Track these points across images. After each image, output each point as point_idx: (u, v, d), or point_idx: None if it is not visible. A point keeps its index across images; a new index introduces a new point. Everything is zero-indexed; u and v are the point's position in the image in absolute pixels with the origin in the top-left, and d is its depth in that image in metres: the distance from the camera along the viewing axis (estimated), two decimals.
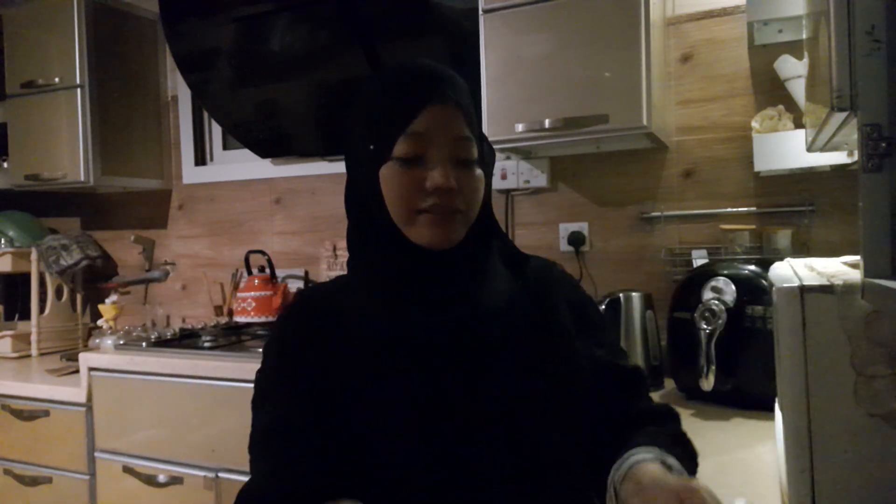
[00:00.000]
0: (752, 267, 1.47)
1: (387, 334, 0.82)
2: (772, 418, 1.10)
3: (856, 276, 0.75)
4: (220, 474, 1.77)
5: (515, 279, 0.90)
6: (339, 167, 2.38)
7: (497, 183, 2.03)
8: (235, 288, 2.47)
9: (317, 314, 0.86)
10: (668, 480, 0.69)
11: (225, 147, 2.71)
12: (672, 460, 0.75)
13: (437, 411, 0.78)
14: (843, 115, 0.70)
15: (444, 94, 0.80)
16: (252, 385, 0.92)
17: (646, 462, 0.73)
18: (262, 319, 2.22)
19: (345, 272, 0.92)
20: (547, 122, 1.60)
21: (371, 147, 0.81)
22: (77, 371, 2.01)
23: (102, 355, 1.96)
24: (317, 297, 0.92)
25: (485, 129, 1.51)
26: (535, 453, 0.81)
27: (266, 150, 2.43)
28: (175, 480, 1.83)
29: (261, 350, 0.90)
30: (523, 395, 0.81)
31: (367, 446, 0.78)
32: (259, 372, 0.92)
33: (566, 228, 1.99)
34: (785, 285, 0.79)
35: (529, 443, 0.80)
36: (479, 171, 0.83)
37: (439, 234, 0.80)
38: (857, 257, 0.68)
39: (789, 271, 0.88)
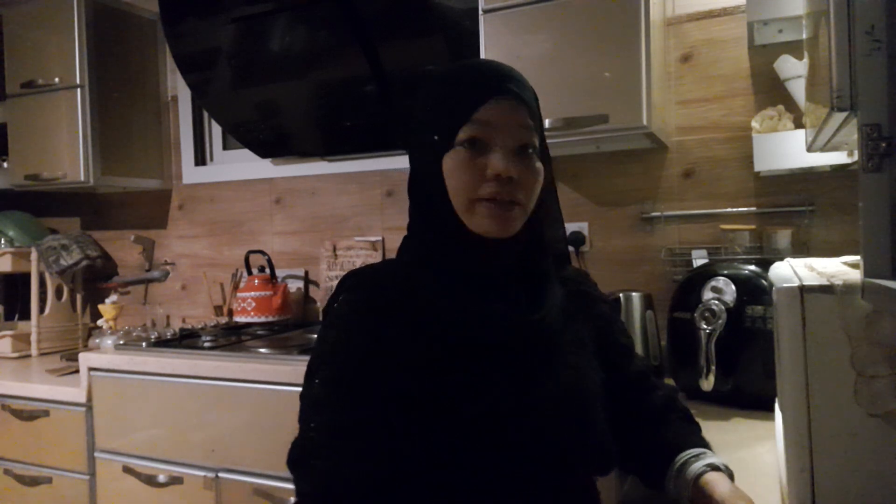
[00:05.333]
0: (752, 267, 1.47)
1: (452, 324, 0.82)
2: (772, 418, 1.10)
3: (856, 276, 0.75)
4: (220, 474, 1.77)
5: (562, 283, 0.94)
6: (340, 167, 2.38)
7: None
8: (235, 288, 2.47)
9: (384, 299, 0.84)
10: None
11: (225, 147, 2.71)
12: (718, 460, 0.89)
13: (504, 407, 0.81)
14: (843, 115, 0.70)
15: (507, 88, 0.83)
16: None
17: (707, 473, 0.87)
18: (262, 319, 2.22)
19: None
20: (547, 122, 1.60)
21: (435, 137, 0.83)
22: (77, 371, 2.01)
23: (102, 355, 1.96)
24: (378, 281, 0.87)
25: None
26: (583, 443, 0.86)
27: (266, 150, 2.43)
28: (175, 480, 1.83)
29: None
30: (566, 395, 0.86)
31: (448, 433, 0.78)
32: (325, 360, 0.84)
33: (566, 228, 1.99)
34: (785, 285, 0.79)
35: (571, 434, 0.86)
36: (538, 164, 0.86)
37: (498, 224, 0.83)
38: (857, 257, 0.68)
39: (789, 271, 0.88)
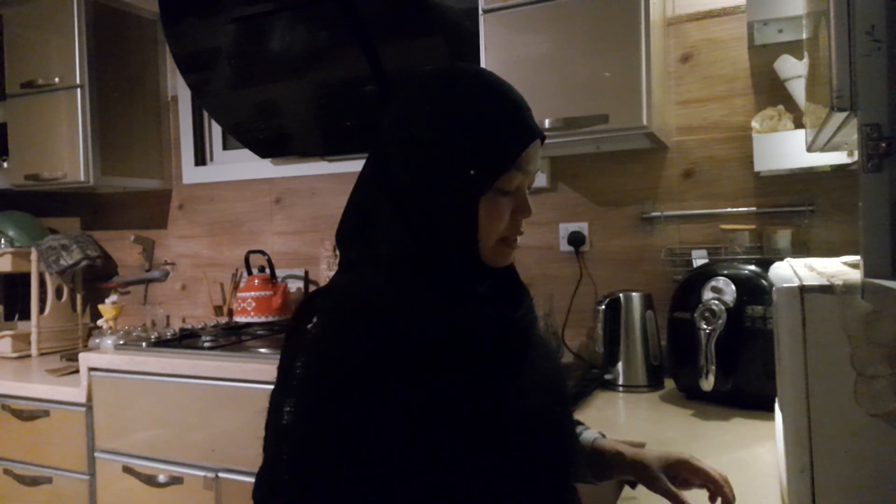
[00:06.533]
0: (752, 267, 1.47)
1: (452, 333, 0.81)
2: (772, 418, 1.10)
3: (856, 276, 0.75)
4: (220, 474, 1.77)
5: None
6: (339, 167, 2.38)
7: None
8: (235, 288, 2.47)
9: (370, 317, 0.79)
10: (649, 454, 0.92)
11: (225, 147, 2.71)
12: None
13: (503, 406, 0.82)
14: (843, 115, 0.70)
15: (538, 130, 0.84)
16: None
17: (599, 438, 0.98)
18: (262, 319, 2.22)
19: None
20: (547, 122, 1.60)
21: (471, 172, 0.80)
22: (77, 371, 2.01)
23: (102, 355, 1.96)
24: (358, 298, 0.82)
25: None
26: (572, 437, 0.91)
27: (266, 150, 2.43)
28: (175, 480, 1.83)
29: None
30: (558, 385, 0.91)
31: (449, 436, 0.77)
32: (300, 386, 0.78)
33: (566, 228, 1.99)
34: (785, 285, 0.79)
35: (567, 425, 0.90)
36: None
37: (510, 257, 0.88)
38: (857, 257, 0.68)
39: (789, 271, 0.88)
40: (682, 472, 0.88)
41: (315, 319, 0.79)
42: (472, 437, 0.78)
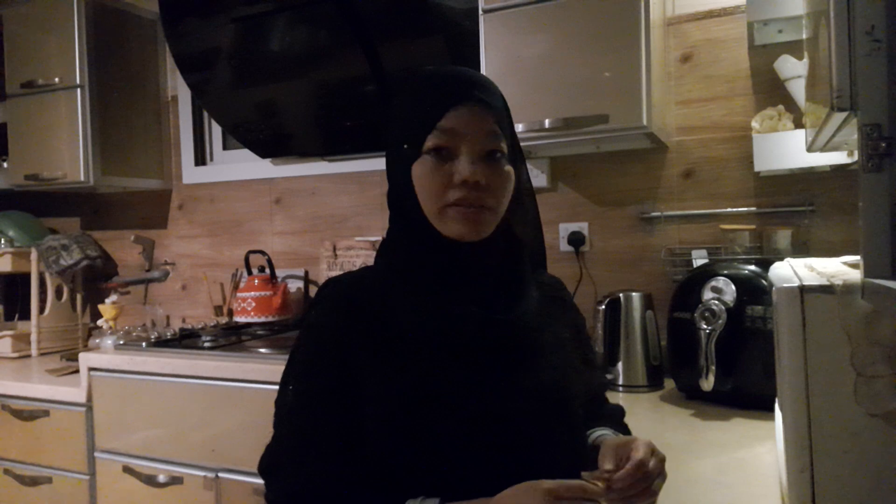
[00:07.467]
0: (752, 267, 1.47)
1: (428, 328, 0.83)
2: (772, 418, 1.10)
3: (856, 276, 0.75)
4: (220, 474, 1.77)
5: (538, 288, 0.95)
6: (339, 167, 2.38)
7: None
8: (235, 288, 2.47)
9: (357, 309, 0.85)
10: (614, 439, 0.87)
11: (225, 147, 2.71)
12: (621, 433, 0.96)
13: (486, 406, 0.82)
14: (843, 115, 0.70)
15: (471, 95, 0.84)
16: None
17: (606, 435, 0.93)
18: (262, 319, 2.22)
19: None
20: (547, 122, 1.60)
21: (405, 146, 0.85)
22: (77, 371, 2.01)
23: (102, 355, 1.96)
24: (352, 290, 0.88)
25: None
26: (562, 445, 0.87)
27: (266, 150, 2.43)
28: (175, 480, 1.83)
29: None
30: (550, 394, 0.87)
31: (429, 436, 0.79)
32: (298, 369, 0.87)
33: (566, 228, 1.99)
34: (785, 285, 0.79)
35: (561, 431, 0.87)
36: (507, 167, 0.86)
37: (468, 228, 0.83)
38: (857, 257, 0.68)
39: (789, 271, 0.88)
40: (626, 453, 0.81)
41: (318, 307, 0.88)
42: (452, 436, 0.79)
